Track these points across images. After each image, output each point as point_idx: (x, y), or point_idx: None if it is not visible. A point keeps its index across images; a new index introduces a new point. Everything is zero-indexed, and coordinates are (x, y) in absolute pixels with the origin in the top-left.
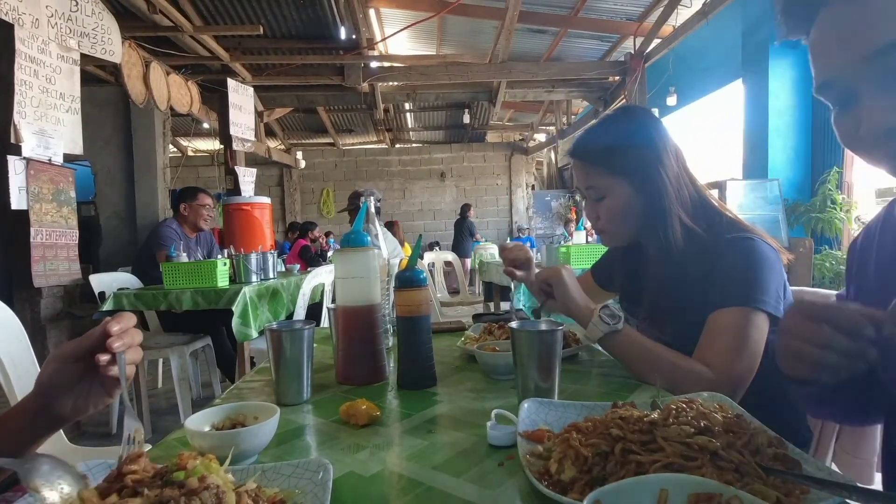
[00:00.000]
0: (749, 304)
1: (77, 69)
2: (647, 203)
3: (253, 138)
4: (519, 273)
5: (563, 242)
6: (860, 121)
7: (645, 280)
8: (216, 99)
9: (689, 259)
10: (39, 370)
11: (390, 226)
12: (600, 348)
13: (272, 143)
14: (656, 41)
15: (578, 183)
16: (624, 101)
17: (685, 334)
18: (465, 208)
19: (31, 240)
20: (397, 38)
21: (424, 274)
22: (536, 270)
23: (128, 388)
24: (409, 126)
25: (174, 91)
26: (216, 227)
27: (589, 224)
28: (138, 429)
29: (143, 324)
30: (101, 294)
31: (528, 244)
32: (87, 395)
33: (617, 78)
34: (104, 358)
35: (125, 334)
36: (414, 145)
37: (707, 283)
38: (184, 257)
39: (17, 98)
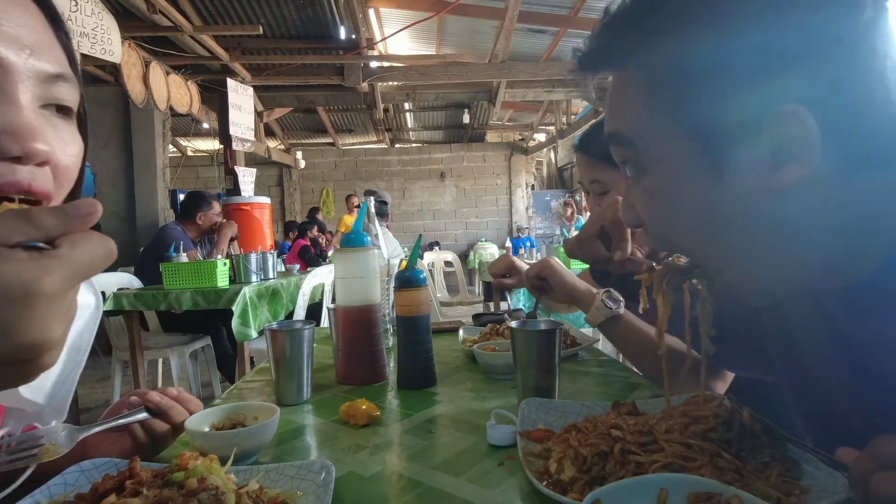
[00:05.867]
0: None
1: None
2: None
3: (252, 138)
4: (508, 281)
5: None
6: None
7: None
8: (216, 99)
9: None
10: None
11: None
12: (600, 348)
13: (272, 143)
14: None
15: (582, 177)
16: None
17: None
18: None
19: None
20: (397, 37)
21: (424, 274)
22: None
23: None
24: (409, 126)
25: (174, 91)
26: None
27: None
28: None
29: (142, 324)
30: (101, 294)
31: (528, 244)
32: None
33: None
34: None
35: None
36: (414, 145)
37: None
38: (184, 258)
39: None
